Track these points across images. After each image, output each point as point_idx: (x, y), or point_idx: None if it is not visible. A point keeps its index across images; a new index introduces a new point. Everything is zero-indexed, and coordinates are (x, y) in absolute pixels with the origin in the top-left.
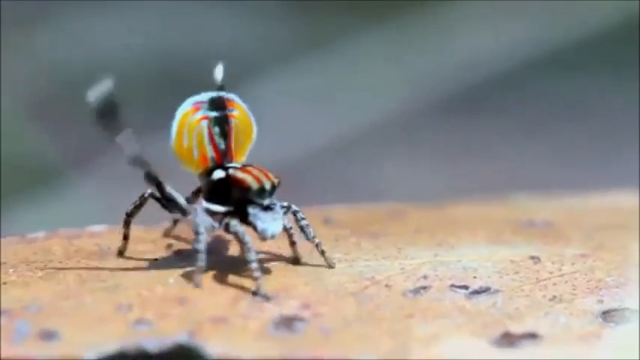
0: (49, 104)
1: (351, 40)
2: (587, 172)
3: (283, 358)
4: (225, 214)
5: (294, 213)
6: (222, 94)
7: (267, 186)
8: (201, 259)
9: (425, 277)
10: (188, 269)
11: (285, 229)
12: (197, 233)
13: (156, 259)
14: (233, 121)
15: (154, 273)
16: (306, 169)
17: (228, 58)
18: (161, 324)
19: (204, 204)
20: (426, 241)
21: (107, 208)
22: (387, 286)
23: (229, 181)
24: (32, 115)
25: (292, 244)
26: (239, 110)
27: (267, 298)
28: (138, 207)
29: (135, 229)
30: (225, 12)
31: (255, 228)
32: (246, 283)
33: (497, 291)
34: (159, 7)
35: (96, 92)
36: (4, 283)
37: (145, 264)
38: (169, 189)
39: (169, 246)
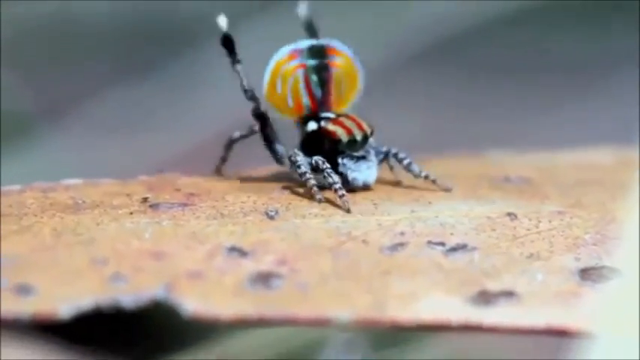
0: (21, 55)
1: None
2: (563, 128)
3: (259, 314)
4: None
5: (395, 155)
6: (323, 41)
7: (359, 137)
8: (309, 179)
9: (402, 233)
10: (164, 223)
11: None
12: (295, 162)
13: (131, 213)
14: (334, 70)
15: (129, 227)
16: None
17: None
18: (136, 278)
19: (298, 153)
20: (403, 197)
21: (82, 162)
22: (364, 242)
23: (321, 133)
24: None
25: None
26: (343, 58)
27: (348, 211)
28: (244, 136)
29: (110, 183)
30: None
31: (346, 178)
32: (222, 237)
33: (474, 248)
34: None
35: (221, 21)
36: None
37: (120, 218)
38: (272, 130)
39: (145, 200)
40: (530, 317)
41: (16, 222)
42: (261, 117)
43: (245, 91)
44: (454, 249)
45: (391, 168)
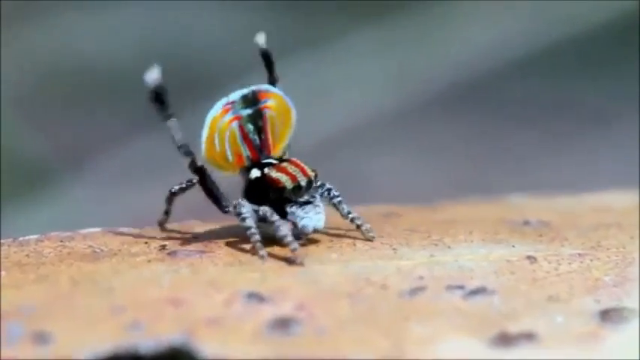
0: (41, 105)
1: (340, 39)
2: (580, 172)
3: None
4: None
5: (328, 191)
6: (253, 87)
7: (304, 182)
8: (254, 234)
9: (421, 277)
10: (182, 270)
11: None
12: (239, 213)
13: (149, 261)
14: (268, 113)
15: (147, 274)
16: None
17: (217, 58)
18: (155, 326)
19: (243, 202)
20: (422, 241)
21: (100, 211)
22: (382, 286)
23: (265, 181)
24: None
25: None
26: (274, 99)
27: (302, 264)
28: (183, 189)
29: (128, 232)
30: (214, 11)
31: (296, 226)
32: (241, 283)
33: (493, 291)
34: (149, 6)
35: (150, 76)
36: None
37: (138, 266)
38: (211, 181)
39: (163, 247)
40: (550, 359)
41: (34, 271)
42: (199, 171)
43: (179, 147)
44: (473, 292)
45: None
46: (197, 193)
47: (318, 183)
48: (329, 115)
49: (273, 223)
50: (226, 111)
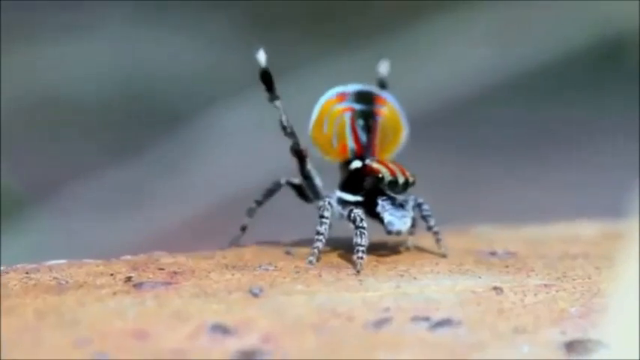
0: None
1: (310, 68)
2: (547, 201)
3: None
4: (357, 204)
5: (419, 205)
6: (372, 88)
7: (401, 180)
8: (320, 241)
9: (387, 309)
10: (148, 302)
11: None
12: (321, 217)
13: (114, 293)
14: (379, 118)
15: (112, 306)
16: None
17: (188, 86)
18: (120, 358)
19: (338, 192)
20: (388, 272)
21: (67, 242)
22: (348, 318)
23: (364, 170)
24: None
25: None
26: (389, 108)
27: (358, 272)
28: (269, 194)
29: (94, 264)
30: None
31: (382, 220)
32: (206, 315)
33: (459, 322)
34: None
35: (260, 56)
36: None
37: (104, 298)
38: (310, 168)
39: (128, 279)
40: None
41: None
42: (299, 154)
43: (284, 127)
44: (439, 324)
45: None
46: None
47: (412, 197)
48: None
49: (357, 228)
50: (341, 99)
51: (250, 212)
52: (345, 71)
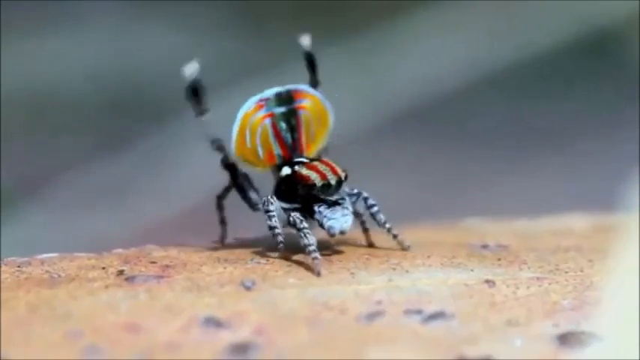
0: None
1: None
2: (539, 194)
3: None
4: (294, 211)
5: (365, 200)
6: (289, 87)
7: (333, 181)
8: (278, 234)
9: (379, 302)
10: (140, 296)
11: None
12: (267, 211)
13: (107, 286)
14: (302, 113)
15: (105, 300)
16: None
17: (177, 80)
18: (113, 351)
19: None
20: (380, 265)
21: (58, 235)
22: (341, 311)
23: (295, 178)
24: None
25: (365, 230)
26: (310, 100)
27: (319, 274)
28: (227, 190)
29: (86, 257)
30: (171, 36)
31: (322, 226)
32: (198, 309)
33: (451, 315)
34: (110, 29)
35: (188, 70)
36: None
37: (96, 291)
38: (242, 178)
39: (120, 272)
40: None
41: None
42: (230, 167)
43: (212, 142)
44: (432, 317)
45: (365, 230)
46: (153, 218)
47: (355, 191)
48: None
49: (300, 230)
50: (259, 107)
51: (219, 208)
52: (335, 64)
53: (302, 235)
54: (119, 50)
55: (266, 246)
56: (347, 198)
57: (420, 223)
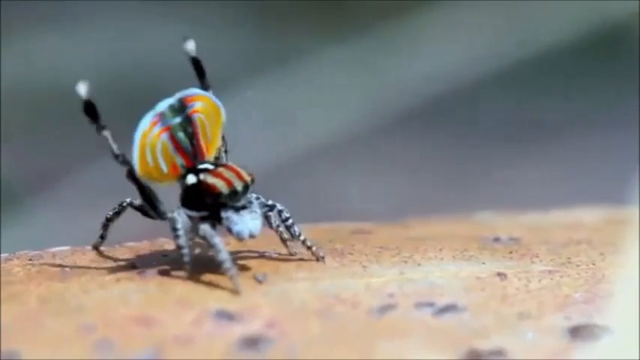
0: (5, 127)
1: (312, 57)
2: (550, 187)
3: None
4: (202, 219)
5: (279, 212)
6: (178, 95)
7: (240, 187)
8: (185, 255)
9: (391, 295)
10: (152, 289)
11: (272, 227)
12: (174, 229)
13: (118, 280)
14: (197, 117)
15: (116, 293)
16: (267, 187)
17: (188, 76)
18: (124, 345)
19: (182, 209)
20: (392, 258)
21: (70, 230)
22: (353, 304)
23: (201, 188)
24: None
25: (283, 241)
26: (201, 101)
27: (238, 292)
28: (117, 214)
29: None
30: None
31: (230, 231)
32: (210, 302)
33: (463, 308)
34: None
35: (80, 89)
36: None
37: (107, 285)
38: (149, 191)
39: (132, 266)
40: None
41: (3, 290)
42: (136, 180)
43: (116, 157)
44: (443, 310)
45: (283, 241)
46: None
47: (269, 202)
48: (298, 133)
49: (212, 246)
50: (155, 124)
51: (104, 227)
52: (340, 61)
53: (215, 249)
54: (124, 50)
55: (277, 240)
56: (254, 201)
57: (432, 217)
